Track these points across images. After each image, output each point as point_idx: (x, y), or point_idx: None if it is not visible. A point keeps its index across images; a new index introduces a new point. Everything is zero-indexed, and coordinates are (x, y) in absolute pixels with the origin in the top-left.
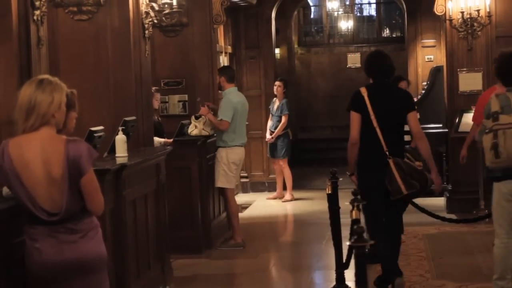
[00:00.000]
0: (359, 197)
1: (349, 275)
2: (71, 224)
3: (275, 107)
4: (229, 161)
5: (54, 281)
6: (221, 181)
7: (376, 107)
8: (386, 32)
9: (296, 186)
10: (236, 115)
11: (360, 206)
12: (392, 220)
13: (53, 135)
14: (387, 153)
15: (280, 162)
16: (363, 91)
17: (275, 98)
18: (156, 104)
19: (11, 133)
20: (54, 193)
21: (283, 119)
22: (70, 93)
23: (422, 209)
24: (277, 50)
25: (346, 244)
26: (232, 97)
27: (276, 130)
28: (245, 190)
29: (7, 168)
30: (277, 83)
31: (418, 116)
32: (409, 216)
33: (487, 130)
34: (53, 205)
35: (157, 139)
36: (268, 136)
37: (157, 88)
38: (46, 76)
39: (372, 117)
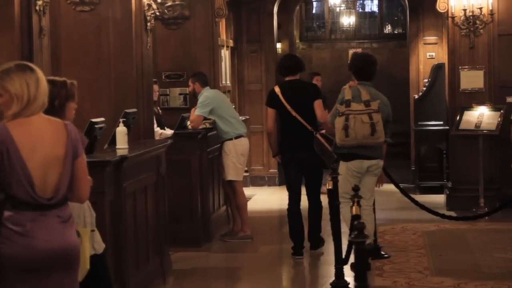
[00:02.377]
0: (359, 192)
1: (349, 271)
2: (58, 210)
3: None
4: (237, 153)
5: (34, 272)
6: (231, 174)
7: (290, 100)
8: (388, 29)
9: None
10: (218, 107)
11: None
12: (311, 192)
13: (51, 118)
14: (313, 131)
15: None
16: (277, 89)
17: None
18: (155, 95)
19: None
20: (51, 175)
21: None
22: (70, 83)
23: (422, 206)
24: (278, 45)
25: (345, 239)
26: (208, 93)
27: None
28: (245, 184)
29: (9, 150)
30: (318, 77)
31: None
32: (409, 213)
33: (340, 114)
34: (45, 188)
35: (165, 132)
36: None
37: (155, 80)
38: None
39: (289, 108)
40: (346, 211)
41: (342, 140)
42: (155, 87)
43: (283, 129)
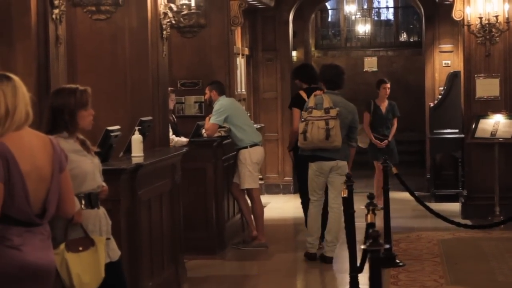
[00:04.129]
0: (374, 201)
1: (363, 279)
2: (42, 227)
3: (384, 109)
4: (252, 161)
5: (19, 285)
6: (248, 182)
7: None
8: (404, 37)
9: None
10: (233, 115)
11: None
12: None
13: (38, 133)
14: None
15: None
16: (303, 93)
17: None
18: (171, 104)
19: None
20: (40, 191)
21: (396, 122)
22: (81, 91)
23: (437, 214)
24: (294, 53)
25: (360, 247)
26: (223, 101)
27: (392, 133)
28: (259, 192)
29: (9, 165)
30: (387, 85)
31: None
32: (424, 221)
33: (302, 120)
34: (35, 204)
35: (180, 140)
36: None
37: (172, 88)
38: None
39: None
40: (315, 210)
41: (301, 144)
42: (172, 96)
43: None
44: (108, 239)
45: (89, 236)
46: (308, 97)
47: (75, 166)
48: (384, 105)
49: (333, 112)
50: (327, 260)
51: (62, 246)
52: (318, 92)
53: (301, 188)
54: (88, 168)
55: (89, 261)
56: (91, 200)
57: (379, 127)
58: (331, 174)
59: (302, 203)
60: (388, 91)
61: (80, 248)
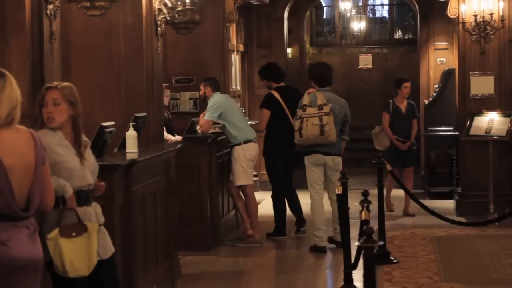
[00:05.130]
0: (368, 198)
1: (357, 276)
2: (28, 221)
3: (404, 109)
4: (246, 158)
5: (3, 280)
6: (241, 179)
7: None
8: (399, 34)
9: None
10: (227, 112)
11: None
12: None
13: (18, 126)
14: None
15: (411, 170)
16: (276, 93)
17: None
18: (166, 100)
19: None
20: (24, 185)
21: (416, 123)
22: (44, 88)
23: (431, 212)
24: (289, 50)
25: (354, 244)
26: (217, 97)
27: (414, 135)
28: (254, 189)
29: None
30: (408, 84)
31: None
32: (419, 218)
33: (297, 117)
34: (20, 199)
35: (170, 137)
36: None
37: (167, 84)
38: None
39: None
40: (318, 204)
41: (297, 140)
42: (167, 91)
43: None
44: (100, 225)
45: (82, 222)
46: (281, 96)
47: (61, 160)
48: (403, 105)
49: (326, 109)
50: (338, 244)
51: (56, 231)
52: (311, 90)
53: (272, 182)
54: (74, 165)
55: (82, 247)
56: (80, 198)
57: (399, 128)
58: (329, 171)
59: (272, 196)
60: (409, 90)
61: (73, 234)
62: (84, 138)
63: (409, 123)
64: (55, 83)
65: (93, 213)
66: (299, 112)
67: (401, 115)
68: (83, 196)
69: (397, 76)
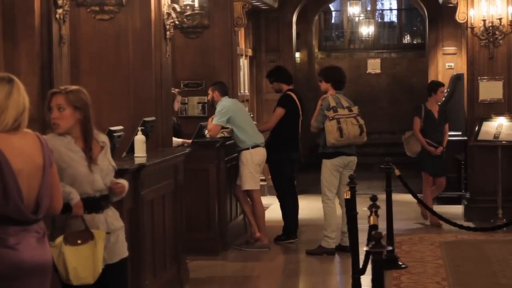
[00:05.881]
0: (377, 203)
1: (366, 281)
2: (37, 225)
3: (436, 114)
4: (254, 163)
5: (13, 284)
6: (248, 184)
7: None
8: (407, 39)
9: (304, 190)
10: (235, 116)
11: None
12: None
13: (25, 130)
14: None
15: (443, 180)
16: (293, 94)
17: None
18: (176, 106)
19: (34, 130)
20: (33, 188)
21: (447, 128)
22: (49, 94)
23: (440, 217)
24: (297, 54)
25: (363, 249)
26: (225, 102)
27: (446, 140)
28: (262, 193)
29: (2, 163)
30: (444, 88)
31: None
32: (427, 223)
33: (330, 118)
34: (28, 203)
35: (175, 140)
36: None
37: (179, 90)
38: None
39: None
40: (333, 207)
41: (337, 140)
42: (179, 97)
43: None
44: (108, 233)
45: (89, 230)
46: (297, 98)
47: (66, 166)
48: (436, 110)
49: (355, 110)
50: (346, 249)
51: (60, 238)
52: (332, 92)
53: (281, 185)
54: (80, 171)
55: (86, 255)
56: (88, 204)
57: (432, 133)
58: (346, 171)
59: (279, 196)
60: (444, 95)
61: (79, 241)
62: (103, 138)
63: (442, 128)
64: (62, 87)
65: (103, 220)
66: (329, 113)
67: (434, 120)
68: (91, 203)
69: (406, 81)
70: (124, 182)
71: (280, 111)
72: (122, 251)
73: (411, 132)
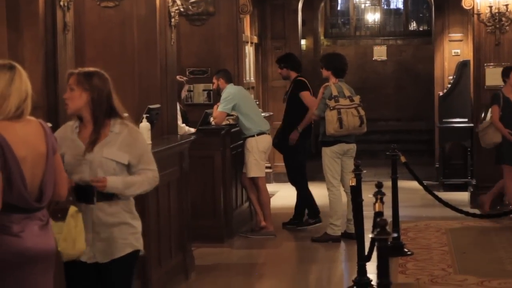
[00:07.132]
0: (382, 189)
1: (371, 268)
2: (41, 213)
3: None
4: (259, 150)
5: (15, 271)
6: (254, 171)
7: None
8: (413, 25)
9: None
10: (241, 103)
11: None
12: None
13: (28, 117)
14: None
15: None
16: (306, 80)
17: None
18: (183, 94)
19: (37, 118)
20: (37, 176)
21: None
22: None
23: (445, 203)
24: (303, 41)
25: (368, 236)
26: (231, 89)
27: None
28: (268, 181)
29: (5, 152)
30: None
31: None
32: (433, 210)
33: (331, 108)
34: (32, 190)
35: (186, 128)
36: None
37: (187, 79)
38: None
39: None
40: (339, 194)
41: (336, 131)
42: (186, 86)
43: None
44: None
45: (65, 207)
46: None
47: (63, 153)
48: None
49: (356, 100)
50: (352, 236)
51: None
52: (334, 80)
53: (294, 171)
54: (67, 159)
55: (60, 230)
56: (76, 192)
57: (511, 122)
58: (344, 157)
59: (297, 183)
60: None
61: (59, 215)
62: (117, 129)
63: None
64: (79, 69)
65: (91, 211)
66: (330, 103)
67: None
68: (79, 191)
69: (411, 68)
70: (111, 179)
71: (308, 94)
72: (119, 249)
73: (488, 121)
